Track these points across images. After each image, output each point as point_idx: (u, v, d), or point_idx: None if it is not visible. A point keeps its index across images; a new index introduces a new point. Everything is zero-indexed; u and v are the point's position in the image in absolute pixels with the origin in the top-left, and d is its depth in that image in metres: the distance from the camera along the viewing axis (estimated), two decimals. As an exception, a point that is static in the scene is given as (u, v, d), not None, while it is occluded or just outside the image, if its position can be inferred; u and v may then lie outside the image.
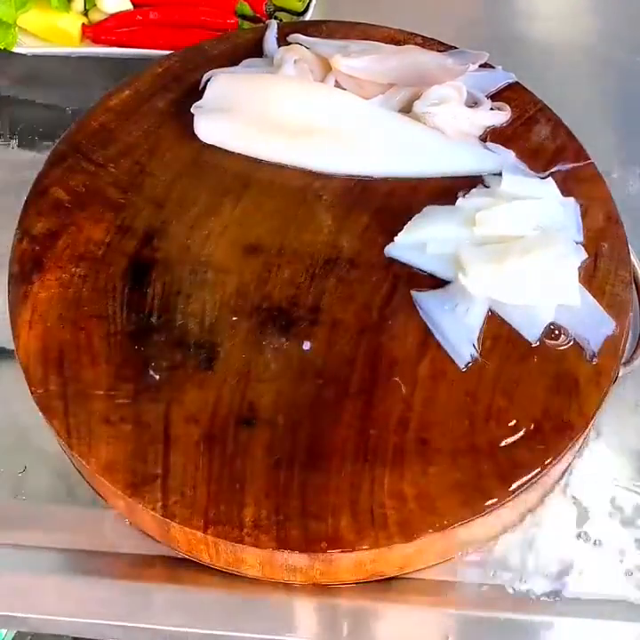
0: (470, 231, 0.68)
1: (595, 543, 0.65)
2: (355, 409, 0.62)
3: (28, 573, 0.64)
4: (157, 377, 0.63)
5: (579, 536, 0.65)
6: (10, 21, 0.88)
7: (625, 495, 0.67)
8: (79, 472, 0.65)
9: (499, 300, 0.66)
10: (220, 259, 0.69)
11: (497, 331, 0.65)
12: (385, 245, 0.69)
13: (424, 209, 0.70)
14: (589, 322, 0.65)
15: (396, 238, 0.69)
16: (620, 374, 0.66)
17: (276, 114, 0.73)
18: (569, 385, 0.63)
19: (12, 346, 0.65)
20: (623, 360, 0.67)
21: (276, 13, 0.93)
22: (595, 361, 0.64)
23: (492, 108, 0.77)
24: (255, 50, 0.81)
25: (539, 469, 0.60)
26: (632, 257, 0.71)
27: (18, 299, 0.66)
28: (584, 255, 0.68)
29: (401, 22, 0.83)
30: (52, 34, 0.91)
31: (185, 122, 0.76)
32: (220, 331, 0.65)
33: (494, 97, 0.78)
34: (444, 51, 0.80)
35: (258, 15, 0.92)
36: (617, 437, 0.69)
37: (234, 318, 0.66)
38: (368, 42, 0.80)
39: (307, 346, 0.62)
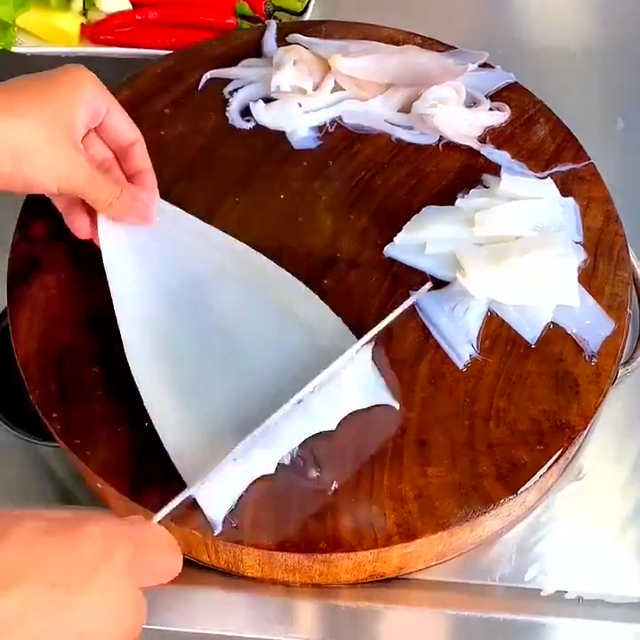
0: (469, 231, 0.68)
1: (595, 543, 0.65)
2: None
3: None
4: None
5: (579, 536, 0.65)
6: (9, 21, 0.88)
7: (624, 496, 0.67)
8: (78, 473, 0.65)
9: (498, 300, 0.66)
10: (219, 259, 0.68)
11: (496, 331, 0.65)
12: (384, 246, 0.69)
13: (423, 209, 0.70)
14: (589, 322, 0.65)
15: (395, 239, 0.69)
16: (619, 374, 0.66)
17: None
18: (568, 385, 0.63)
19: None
20: (622, 360, 0.67)
21: (275, 13, 0.93)
22: (594, 361, 0.64)
23: (491, 108, 0.77)
24: (254, 50, 0.81)
25: (538, 470, 0.60)
26: (632, 257, 0.71)
27: (17, 299, 0.66)
28: (583, 255, 0.69)
29: (401, 22, 0.83)
30: (50, 34, 0.91)
31: (184, 122, 0.76)
32: (220, 331, 0.65)
33: (493, 97, 0.78)
34: (443, 51, 0.80)
35: (257, 15, 0.92)
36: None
37: (234, 319, 0.66)
38: (367, 42, 0.80)
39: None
